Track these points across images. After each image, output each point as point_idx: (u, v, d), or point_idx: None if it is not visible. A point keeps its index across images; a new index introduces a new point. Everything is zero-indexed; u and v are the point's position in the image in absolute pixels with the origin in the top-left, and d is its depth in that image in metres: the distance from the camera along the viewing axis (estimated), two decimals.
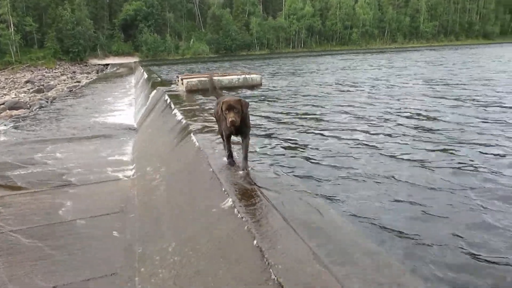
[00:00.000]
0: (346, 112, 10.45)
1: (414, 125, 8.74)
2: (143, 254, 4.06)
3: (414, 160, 6.29)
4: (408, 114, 9.98)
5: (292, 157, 6.73)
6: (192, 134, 6.01)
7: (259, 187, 3.64)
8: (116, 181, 6.67)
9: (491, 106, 10.72)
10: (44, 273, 3.83)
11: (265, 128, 8.84)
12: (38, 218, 5.16)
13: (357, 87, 16.44)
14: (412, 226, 4.13)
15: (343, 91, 15.28)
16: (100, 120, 13.27)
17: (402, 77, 20.03)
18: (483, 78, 18.34)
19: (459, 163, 6.12)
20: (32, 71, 53.75)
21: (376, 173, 5.72)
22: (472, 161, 6.19)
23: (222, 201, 3.58)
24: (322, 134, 8.14)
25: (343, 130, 8.44)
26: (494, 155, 6.47)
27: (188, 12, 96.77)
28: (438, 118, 9.39)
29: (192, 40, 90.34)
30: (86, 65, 67.98)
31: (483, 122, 8.80)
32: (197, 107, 8.95)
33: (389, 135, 7.88)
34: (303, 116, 10.15)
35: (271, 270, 2.39)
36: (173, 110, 8.69)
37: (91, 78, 38.31)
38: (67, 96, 22.04)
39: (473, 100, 11.87)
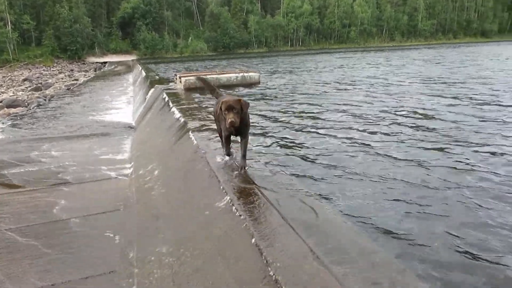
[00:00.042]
0: (343, 111, 10.46)
1: (411, 123, 8.75)
2: (142, 252, 4.06)
3: (411, 159, 6.30)
4: (405, 112, 9.99)
5: (290, 155, 6.74)
6: (190, 132, 6.01)
7: (257, 185, 3.65)
8: (114, 179, 6.66)
9: (488, 105, 10.74)
10: (41, 271, 3.83)
11: (263, 126, 8.85)
12: (35, 216, 5.15)
13: (354, 85, 16.45)
14: (409, 225, 4.14)
15: (341, 89, 15.29)
16: (98, 118, 13.25)
17: (399, 76, 20.05)
18: (480, 76, 18.37)
19: (456, 161, 6.13)
20: (30, 69, 53.59)
21: (373, 172, 5.73)
22: (469, 159, 6.20)
23: (220, 199, 3.58)
24: (320, 133, 8.15)
25: (340, 128, 8.45)
26: (491, 153, 6.49)
27: (186, 10, 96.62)
28: (435, 116, 9.40)
29: (190, 38, 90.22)
30: (84, 63, 67.83)
31: (480, 120, 8.82)
32: (195, 105, 8.94)
33: (386, 134, 7.89)
34: (300, 115, 10.16)
35: (269, 268, 2.40)
36: (171, 108, 8.68)
37: (89, 76, 38.24)
38: (65, 94, 22.00)
39: (470, 98, 11.89)
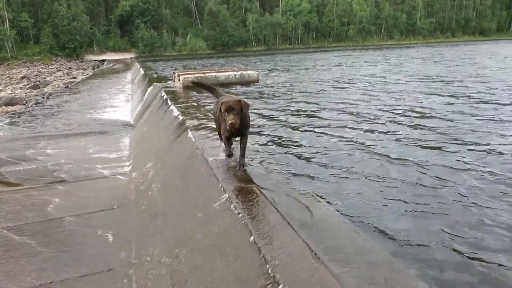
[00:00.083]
0: (341, 109, 10.47)
1: (409, 122, 8.77)
2: (140, 250, 4.07)
3: (408, 157, 6.31)
4: (402, 111, 10.01)
5: (289, 154, 6.75)
6: (189, 131, 6.01)
7: (256, 184, 3.65)
8: (112, 178, 6.66)
9: (485, 103, 10.76)
10: (39, 270, 3.83)
11: (262, 124, 8.86)
12: (32, 214, 5.15)
13: (352, 84, 16.46)
14: (406, 223, 4.16)
15: (339, 88, 15.30)
16: (96, 116, 13.24)
17: (397, 74, 20.06)
18: (478, 75, 18.39)
19: (452, 160, 6.14)
20: (28, 67, 53.48)
21: (371, 171, 5.75)
22: (466, 158, 6.21)
23: (219, 197, 3.58)
24: (318, 131, 8.16)
25: (338, 127, 8.46)
26: (487, 152, 6.50)
27: (184, 8, 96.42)
28: (432, 115, 9.42)
29: (188, 36, 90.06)
30: (82, 61, 67.66)
31: (477, 119, 8.83)
32: (194, 103, 8.94)
33: (384, 132, 7.90)
34: (299, 113, 10.17)
35: (268, 266, 2.40)
36: (170, 106, 8.68)
37: (87, 74, 38.17)
38: (63, 92, 21.96)
39: (468, 97, 11.91)
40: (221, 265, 2.84)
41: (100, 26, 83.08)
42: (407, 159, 6.22)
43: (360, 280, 2.15)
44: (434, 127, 8.22)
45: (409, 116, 9.42)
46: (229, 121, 3.66)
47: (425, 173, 5.59)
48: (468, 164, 5.94)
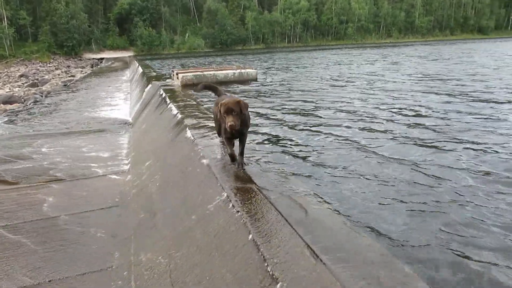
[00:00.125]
0: (339, 108, 10.47)
1: (406, 120, 8.78)
2: (139, 248, 4.08)
3: (406, 156, 6.32)
4: (400, 110, 10.01)
5: (287, 153, 6.75)
6: (187, 129, 6.01)
7: (254, 182, 3.66)
8: (111, 176, 6.66)
9: (483, 102, 10.77)
10: (38, 268, 3.83)
11: (260, 123, 8.86)
12: (30, 213, 5.15)
13: (350, 82, 16.47)
14: (403, 222, 4.17)
15: (337, 86, 15.30)
16: (95, 115, 13.24)
17: (396, 72, 20.08)
18: (476, 73, 18.41)
19: (450, 159, 6.15)
20: (26, 65, 53.35)
21: (369, 169, 5.75)
22: (463, 157, 6.22)
23: (217, 195, 3.59)
24: (316, 130, 8.16)
25: (336, 126, 8.46)
26: (484, 151, 6.50)
27: (183, 7, 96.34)
28: (429, 114, 9.42)
29: (187, 35, 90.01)
30: (80, 59, 67.59)
31: (475, 118, 8.84)
32: (193, 102, 8.93)
33: (381, 131, 7.90)
34: (297, 112, 10.17)
35: (266, 264, 2.41)
36: (169, 104, 8.68)
37: (86, 73, 38.13)
38: (62, 91, 21.95)
39: (466, 95, 11.92)
40: (220, 263, 2.85)
41: (98, 24, 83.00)
42: (404, 158, 6.23)
43: (358, 277, 2.16)
44: (431, 125, 8.23)
45: (407, 114, 9.43)
46: (229, 123, 3.64)
47: (422, 172, 5.60)
48: (465, 162, 5.95)
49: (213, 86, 4.94)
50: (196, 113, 7.30)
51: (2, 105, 16.21)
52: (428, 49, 50.31)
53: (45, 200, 5.56)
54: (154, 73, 19.50)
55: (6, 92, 21.26)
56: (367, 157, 6.37)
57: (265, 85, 15.77)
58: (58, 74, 36.66)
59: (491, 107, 9.96)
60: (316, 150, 6.82)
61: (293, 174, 5.40)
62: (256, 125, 8.63)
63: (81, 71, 41.61)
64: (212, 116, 5.25)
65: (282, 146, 7.17)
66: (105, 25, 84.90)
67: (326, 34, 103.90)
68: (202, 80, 13.41)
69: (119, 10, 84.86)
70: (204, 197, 3.82)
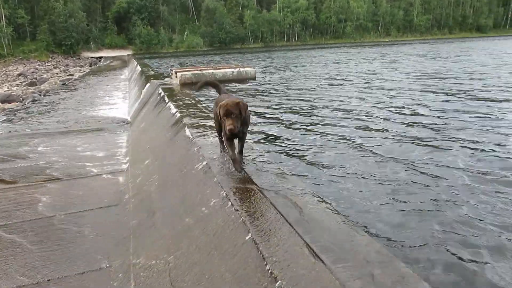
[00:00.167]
0: (337, 107, 10.48)
1: (404, 119, 8.78)
2: (138, 247, 4.08)
3: (403, 155, 6.32)
4: (398, 108, 10.01)
5: (286, 152, 6.76)
6: (186, 128, 6.00)
7: (253, 181, 3.66)
8: (110, 175, 6.66)
9: (481, 100, 10.77)
10: (36, 267, 3.83)
11: (259, 122, 8.86)
12: (29, 212, 5.14)
13: (349, 81, 16.47)
14: (401, 221, 4.18)
15: (335, 85, 15.30)
16: (93, 114, 13.22)
17: (394, 71, 20.09)
18: (475, 71, 18.42)
19: (447, 158, 6.15)
20: (24, 64, 53.28)
21: (368, 169, 5.76)
22: (461, 156, 6.22)
23: (216, 194, 3.59)
24: (315, 129, 8.16)
25: (334, 125, 8.46)
26: (482, 150, 6.50)
27: (181, 5, 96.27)
28: (427, 113, 9.42)
29: (186, 33, 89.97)
30: (79, 58, 67.56)
31: (473, 116, 8.84)
32: (191, 100, 8.93)
33: (379, 130, 7.91)
34: (295, 111, 10.17)
35: (265, 262, 2.41)
36: (167, 103, 8.67)
37: (84, 71, 38.10)
38: (60, 89, 21.93)
39: (464, 94, 11.92)
40: (219, 262, 2.85)
41: (96, 23, 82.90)
42: (401, 157, 6.23)
43: (357, 276, 2.16)
44: (429, 124, 8.24)
45: (404, 113, 9.43)
46: (228, 127, 3.60)
47: (419, 171, 5.61)
48: (462, 161, 5.96)
49: (214, 83, 4.91)
50: (195, 112, 7.29)
51: (0, 104, 16.18)
52: (426, 47, 50.36)
53: (43, 200, 5.56)
54: (153, 72, 19.48)
55: (5, 91, 21.24)
56: (365, 156, 6.38)
57: (263, 84, 15.76)
58: (57, 73, 36.62)
59: (489, 106, 9.97)
60: (315, 149, 6.82)
61: (292, 173, 5.41)
62: (255, 124, 8.62)
63: (80, 70, 41.57)
64: (211, 115, 5.24)
65: (281, 145, 7.17)
66: (103, 24, 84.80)
67: (324, 32, 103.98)
68: (200, 79, 13.39)
69: (117, 8, 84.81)
70: (203, 196, 3.82)
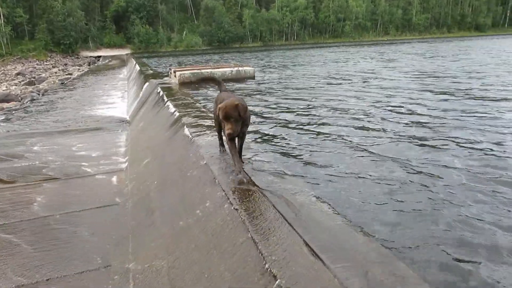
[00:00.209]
0: (335, 106, 10.46)
1: (401, 119, 8.75)
2: (137, 246, 4.08)
3: (402, 155, 6.29)
4: (396, 108, 9.99)
5: (284, 151, 6.75)
6: (185, 127, 6.00)
7: (252, 180, 3.66)
8: (109, 174, 6.66)
9: (479, 99, 10.76)
10: (35, 267, 3.83)
11: (257, 121, 8.85)
12: (27, 212, 5.14)
13: (347, 80, 16.45)
14: (400, 220, 4.17)
15: (334, 84, 15.29)
16: (92, 113, 13.21)
17: (392, 70, 20.07)
18: (473, 70, 18.42)
19: (445, 157, 6.13)
20: (23, 63, 53.23)
21: (366, 168, 5.74)
22: (458, 155, 6.22)
23: (215, 193, 3.59)
24: (313, 129, 8.15)
25: (332, 124, 8.45)
26: (480, 149, 6.50)
27: (180, 4, 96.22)
28: (425, 112, 9.40)
29: (184, 32, 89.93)
30: (77, 57, 67.52)
31: (471, 116, 8.82)
32: (190, 99, 8.93)
33: (377, 130, 7.89)
34: (294, 110, 10.15)
35: (265, 261, 2.42)
36: (166, 102, 8.67)
37: (83, 71, 38.08)
38: (59, 89, 21.90)
39: (462, 93, 11.92)
40: (218, 261, 2.85)
41: (95, 22, 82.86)
42: (399, 156, 6.22)
43: (357, 275, 2.17)
44: (426, 123, 8.23)
45: (402, 112, 9.42)
46: (227, 132, 3.58)
47: (417, 170, 5.60)
48: (459, 161, 5.94)
49: (217, 80, 4.89)
50: (194, 111, 7.29)
51: None
52: (425, 46, 50.36)
53: (42, 199, 5.55)
54: (151, 71, 19.47)
55: (3, 90, 21.20)
56: (363, 155, 6.37)
57: (262, 83, 15.74)
58: (55, 72, 36.59)
59: (487, 105, 9.96)
60: (313, 148, 6.81)
61: (290, 172, 5.40)
62: (253, 123, 8.61)
63: (78, 69, 41.53)
64: (211, 114, 5.23)
65: (280, 144, 7.17)
66: (102, 23, 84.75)
67: (323, 32, 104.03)
68: (199, 78, 13.41)
69: (116, 7, 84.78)
70: (202, 195, 3.82)
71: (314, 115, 9.44)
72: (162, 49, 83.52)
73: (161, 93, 10.11)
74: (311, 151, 6.70)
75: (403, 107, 10.05)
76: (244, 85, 14.61)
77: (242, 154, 4.18)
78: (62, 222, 4.85)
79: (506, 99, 10.62)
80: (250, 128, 7.28)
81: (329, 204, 3.21)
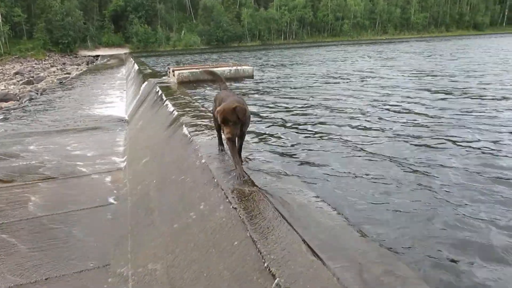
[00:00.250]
0: (333, 105, 10.45)
1: (399, 118, 8.75)
2: (136, 245, 4.08)
3: (398, 154, 6.29)
4: (394, 107, 9.99)
5: (283, 151, 6.75)
6: (184, 126, 6.00)
7: (251, 179, 3.66)
8: (108, 173, 6.65)
9: (477, 98, 10.76)
10: (33, 266, 3.83)
11: (256, 121, 8.84)
12: (26, 211, 5.14)
13: (345, 79, 16.46)
14: (399, 220, 4.17)
15: (332, 83, 15.29)
16: (91, 112, 13.19)
17: (391, 69, 20.07)
18: (471, 69, 18.43)
19: (442, 156, 6.14)
20: (21, 63, 53.17)
21: (365, 168, 5.74)
22: (455, 154, 6.22)
23: (214, 192, 3.59)
24: (312, 128, 8.15)
25: (331, 124, 8.44)
26: (478, 148, 6.50)
27: (179, 3, 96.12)
28: (423, 111, 9.38)
29: (183, 32, 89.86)
30: (76, 57, 67.43)
31: (469, 115, 8.82)
32: (189, 99, 8.92)
33: (374, 129, 7.88)
34: (292, 109, 10.15)
35: (263, 260, 2.42)
36: (165, 102, 8.66)
37: (82, 70, 38.02)
38: (57, 88, 21.86)
39: (460, 92, 11.92)
40: (217, 259, 2.85)
41: (93, 21, 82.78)
42: (396, 155, 6.22)
43: (356, 274, 2.17)
44: (424, 122, 8.23)
45: (400, 111, 9.41)
46: (226, 136, 3.55)
47: (415, 170, 5.60)
48: (457, 160, 5.95)
49: (219, 77, 4.84)
50: (193, 111, 7.29)
51: None
52: (423, 45, 50.40)
53: (40, 199, 5.55)
54: (150, 70, 19.46)
55: (1, 90, 21.18)
56: (361, 154, 6.37)
57: (261, 82, 15.74)
58: (54, 72, 36.55)
59: (485, 104, 9.96)
60: (312, 148, 6.82)
61: (289, 171, 5.39)
62: (252, 122, 8.59)
63: (77, 68, 41.50)
64: (209, 114, 5.22)
65: (278, 143, 7.17)
66: (100, 22, 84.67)
67: (322, 30, 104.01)
68: (198, 78, 13.42)
69: (114, 7, 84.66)
70: (201, 194, 3.82)
71: (312, 114, 9.44)
72: (161, 48, 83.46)
73: (160, 92, 10.10)
74: (309, 150, 6.70)
75: (401, 106, 10.05)
76: (242, 84, 14.61)
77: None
78: (60, 221, 4.84)
79: (504, 98, 10.63)
80: (250, 127, 7.29)
81: (329, 203, 3.21)
